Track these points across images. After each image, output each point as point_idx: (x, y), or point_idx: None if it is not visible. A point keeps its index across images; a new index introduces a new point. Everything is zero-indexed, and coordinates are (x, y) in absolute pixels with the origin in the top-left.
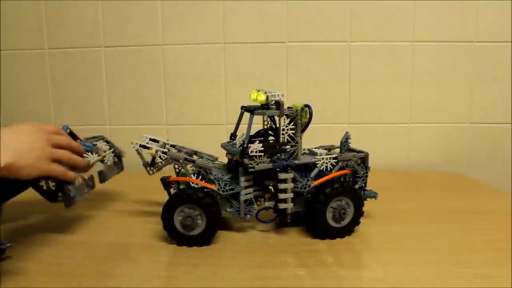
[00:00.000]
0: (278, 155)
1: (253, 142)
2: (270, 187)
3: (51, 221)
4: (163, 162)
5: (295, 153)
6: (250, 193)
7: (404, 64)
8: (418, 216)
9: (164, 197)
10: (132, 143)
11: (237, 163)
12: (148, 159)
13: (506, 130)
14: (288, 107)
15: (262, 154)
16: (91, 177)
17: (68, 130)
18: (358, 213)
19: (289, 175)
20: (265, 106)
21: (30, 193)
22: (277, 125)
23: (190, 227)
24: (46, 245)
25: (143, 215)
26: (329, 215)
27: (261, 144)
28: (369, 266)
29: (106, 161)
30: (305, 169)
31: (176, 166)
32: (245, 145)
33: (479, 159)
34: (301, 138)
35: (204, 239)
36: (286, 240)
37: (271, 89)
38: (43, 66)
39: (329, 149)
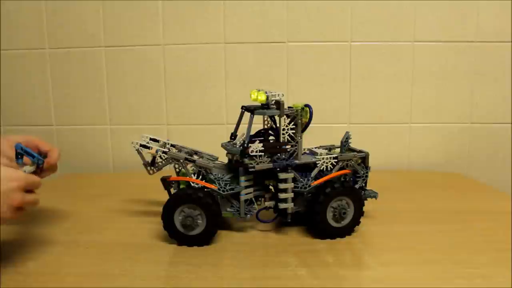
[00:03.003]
0: (278, 155)
1: (253, 142)
2: (271, 187)
3: (51, 221)
4: (163, 161)
5: (295, 153)
6: (250, 192)
7: (405, 64)
8: (418, 216)
9: (164, 197)
10: (132, 142)
11: (237, 162)
12: (149, 158)
13: (506, 130)
14: (289, 107)
15: (262, 154)
16: None
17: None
18: (359, 213)
19: (289, 175)
20: (265, 106)
21: None
22: (278, 125)
23: (191, 227)
24: (46, 245)
25: (143, 215)
26: (329, 215)
27: (262, 144)
28: (369, 266)
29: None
30: (306, 169)
31: (176, 166)
32: (245, 145)
33: (480, 159)
34: (301, 138)
35: (204, 239)
36: (286, 240)
37: (272, 89)
38: (43, 66)
39: (329, 149)
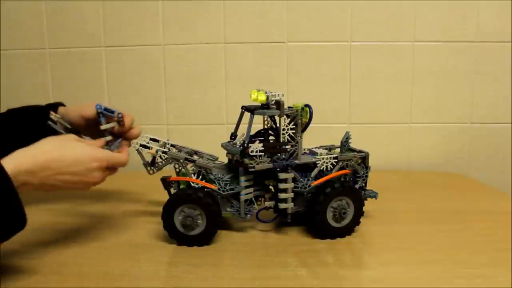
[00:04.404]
0: (279, 155)
1: (253, 142)
2: (271, 187)
3: (50, 221)
4: (163, 161)
5: (296, 153)
6: (250, 192)
7: (405, 64)
8: (418, 216)
9: (164, 197)
10: (132, 142)
11: (237, 162)
12: (149, 158)
13: (506, 130)
14: (289, 107)
15: (263, 154)
16: None
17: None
18: (359, 213)
19: (289, 175)
20: (265, 106)
21: (28, 195)
22: (278, 125)
23: (190, 227)
24: (46, 245)
25: (143, 215)
26: (329, 215)
27: (262, 144)
28: (369, 266)
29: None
30: (306, 169)
31: (176, 166)
32: (245, 145)
33: (480, 159)
34: (301, 138)
35: (204, 239)
36: (286, 240)
37: (272, 89)
38: (44, 66)
39: (329, 149)
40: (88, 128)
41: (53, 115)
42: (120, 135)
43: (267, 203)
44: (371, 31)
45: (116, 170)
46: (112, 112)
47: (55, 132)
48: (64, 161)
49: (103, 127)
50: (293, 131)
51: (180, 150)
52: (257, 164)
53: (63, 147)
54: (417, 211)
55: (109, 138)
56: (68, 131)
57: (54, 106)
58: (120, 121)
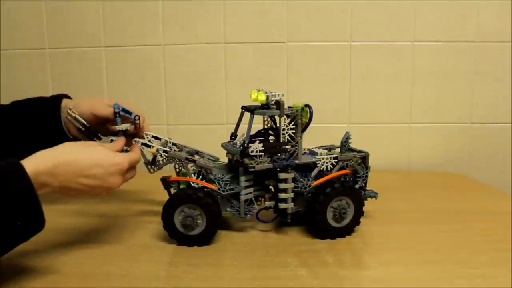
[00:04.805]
0: (279, 155)
1: (253, 142)
2: (271, 187)
3: (50, 221)
4: (164, 160)
5: (296, 153)
6: (250, 193)
7: (405, 64)
8: (418, 216)
9: (164, 196)
10: (134, 141)
11: (237, 162)
12: (149, 157)
13: (506, 130)
14: (289, 107)
15: (263, 154)
16: None
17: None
18: (359, 213)
19: (290, 175)
20: (265, 106)
21: None
22: (278, 125)
23: (190, 227)
24: (46, 246)
25: (143, 215)
26: (329, 215)
27: (262, 144)
28: (369, 266)
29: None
30: (306, 169)
31: (177, 165)
32: (245, 145)
33: (480, 159)
34: (301, 138)
35: (204, 239)
36: (286, 240)
37: (272, 89)
38: (44, 66)
39: (329, 149)
40: (97, 125)
41: (71, 112)
42: (131, 134)
43: (267, 203)
44: (371, 31)
45: (135, 170)
46: (130, 113)
47: (59, 126)
48: (84, 164)
49: (118, 127)
50: (293, 131)
51: (181, 150)
52: (257, 164)
53: (83, 150)
54: (417, 211)
55: (123, 138)
56: (85, 127)
57: (59, 98)
58: (136, 123)
